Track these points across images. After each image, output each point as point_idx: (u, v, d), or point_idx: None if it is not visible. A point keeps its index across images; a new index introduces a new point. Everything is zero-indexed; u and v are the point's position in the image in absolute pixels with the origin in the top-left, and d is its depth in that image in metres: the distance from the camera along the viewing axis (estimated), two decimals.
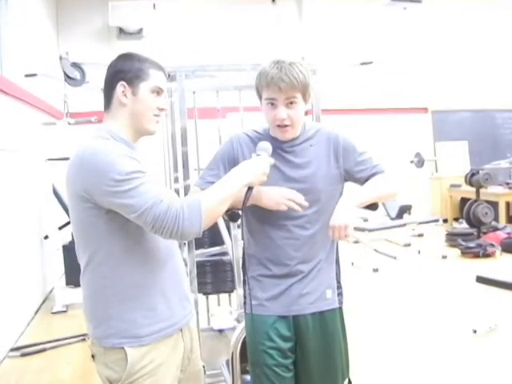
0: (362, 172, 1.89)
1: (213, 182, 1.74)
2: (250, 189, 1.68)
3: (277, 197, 1.76)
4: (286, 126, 1.78)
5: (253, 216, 1.85)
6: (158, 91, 1.63)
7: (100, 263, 1.56)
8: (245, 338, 2.09)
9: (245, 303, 1.94)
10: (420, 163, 8.33)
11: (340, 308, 1.94)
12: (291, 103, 1.76)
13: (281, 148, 1.85)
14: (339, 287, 1.94)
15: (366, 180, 1.89)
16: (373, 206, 1.92)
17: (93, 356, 1.61)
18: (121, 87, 1.61)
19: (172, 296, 1.63)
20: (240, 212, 1.80)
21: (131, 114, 1.62)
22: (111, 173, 1.44)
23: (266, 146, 1.74)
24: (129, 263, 1.56)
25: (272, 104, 1.78)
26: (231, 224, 3.14)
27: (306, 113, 1.88)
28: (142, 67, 1.62)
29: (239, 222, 2.58)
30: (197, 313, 2.69)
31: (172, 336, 1.63)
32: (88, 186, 1.48)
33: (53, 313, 4.89)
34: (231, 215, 1.77)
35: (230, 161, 1.87)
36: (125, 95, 1.61)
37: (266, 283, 1.87)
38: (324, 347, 1.87)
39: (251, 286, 1.90)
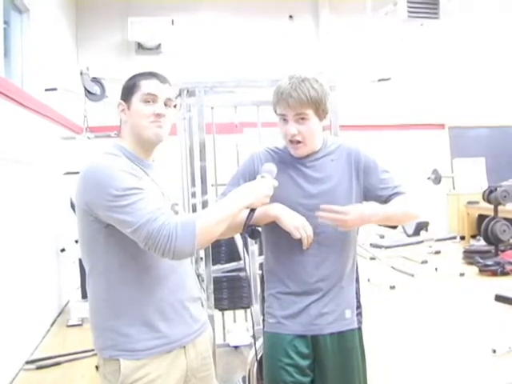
0: (382, 190, 1.87)
1: None
2: (252, 211, 1.68)
3: (298, 223, 1.74)
4: (299, 142, 1.79)
5: (273, 233, 1.83)
6: (151, 98, 1.63)
7: (99, 276, 1.59)
8: (261, 355, 2.07)
9: (263, 320, 1.93)
10: (437, 180, 8.29)
11: (359, 328, 1.92)
12: (302, 119, 1.76)
13: (301, 163, 1.85)
14: (358, 307, 1.92)
15: (387, 199, 1.87)
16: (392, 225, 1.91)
17: (96, 367, 1.63)
18: (120, 106, 1.67)
19: (172, 314, 1.62)
20: (260, 229, 1.79)
21: (131, 128, 1.66)
22: (110, 188, 1.47)
23: (270, 169, 1.74)
24: (125, 279, 1.56)
25: (284, 120, 1.79)
26: (249, 240, 3.13)
27: (324, 128, 1.87)
28: (135, 81, 1.66)
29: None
30: (213, 329, 2.68)
31: (171, 352, 1.61)
32: (89, 200, 1.52)
33: (68, 326, 4.89)
34: (252, 232, 1.76)
35: (250, 177, 1.86)
36: (124, 113, 1.67)
37: (285, 301, 1.86)
38: (342, 366, 1.85)
39: (270, 303, 1.88)
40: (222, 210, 1.57)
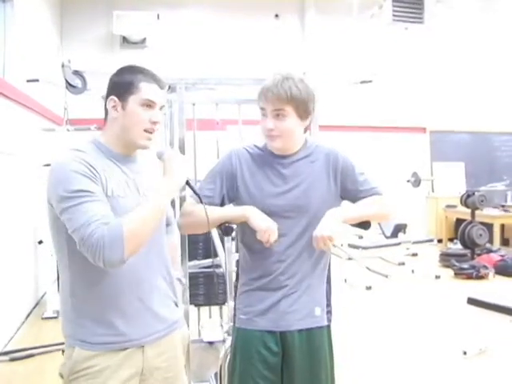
0: (360, 192, 1.91)
1: (209, 196, 1.77)
2: (187, 183, 1.66)
3: (268, 225, 1.75)
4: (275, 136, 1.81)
5: (246, 231, 1.85)
6: (150, 104, 1.62)
7: (64, 269, 1.62)
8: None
9: (234, 315, 1.95)
10: (417, 183, 8.38)
11: (328, 326, 1.94)
12: (279, 115, 1.78)
13: (279, 163, 1.87)
14: (328, 305, 1.94)
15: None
16: (365, 225, 1.94)
17: (63, 351, 1.67)
18: (111, 102, 1.63)
19: (132, 312, 1.62)
20: (233, 226, 1.81)
21: (121, 127, 1.63)
22: (59, 189, 1.49)
23: (161, 151, 1.68)
24: (86, 275, 1.57)
25: (263, 114, 1.81)
26: (221, 237, 3.15)
27: (306, 129, 1.89)
28: (133, 80, 1.61)
29: (233, 234, 2.60)
30: (187, 324, 2.69)
31: (126, 350, 1.61)
32: (48, 197, 1.56)
33: (43, 318, 4.87)
34: (225, 229, 1.78)
35: (227, 176, 1.88)
36: (115, 109, 1.63)
37: (255, 297, 1.88)
38: (310, 364, 1.88)
39: (241, 299, 1.91)
40: (144, 208, 1.54)
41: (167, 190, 1.60)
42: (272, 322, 1.86)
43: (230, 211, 1.85)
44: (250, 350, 1.85)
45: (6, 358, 3.87)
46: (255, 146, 1.94)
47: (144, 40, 7.71)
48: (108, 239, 1.42)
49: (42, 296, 5.38)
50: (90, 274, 1.57)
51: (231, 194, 1.89)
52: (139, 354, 1.64)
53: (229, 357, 2.02)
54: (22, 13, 5.08)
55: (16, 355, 3.90)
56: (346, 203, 1.95)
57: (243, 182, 1.87)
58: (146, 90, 1.62)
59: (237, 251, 3.38)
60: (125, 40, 7.68)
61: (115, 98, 1.62)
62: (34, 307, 5.20)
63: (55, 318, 4.85)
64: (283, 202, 1.83)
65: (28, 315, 4.96)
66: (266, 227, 1.74)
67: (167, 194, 1.60)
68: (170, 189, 1.61)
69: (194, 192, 1.73)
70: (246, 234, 1.88)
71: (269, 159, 1.88)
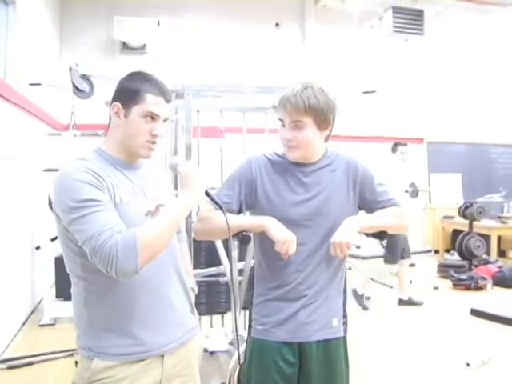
0: (378, 203, 1.90)
1: (227, 203, 1.74)
2: (206, 193, 1.66)
3: (287, 237, 1.71)
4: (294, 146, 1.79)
5: (264, 240, 1.81)
6: (153, 117, 1.59)
7: (78, 280, 1.58)
8: (242, 362, 2.05)
9: (250, 326, 1.92)
10: (414, 193, 8.34)
11: (344, 337, 1.92)
12: (298, 126, 1.76)
13: (300, 171, 1.85)
14: (345, 316, 1.93)
15: None
16: (381, 235, 1.93)
17: (76, 362, 1.63)
18: (114, 108, 1.60)
19: (151, 321, 1.59)
20: (250, 235, 1.78)
21: (123, 135, 1.61)
22: (66, 199, 1.46)
23: (175, 163, 1.67)
24: (99, 287, 1.55)
25: (282, 125, 1.79)
26: (231, 245, 3.11)
27: (327, 139, 1.87)
28: (140, 89, 1.58)
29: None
30: None
31: (145, 360, 1.58)
32: (55, 209, 1.52)
33: (40, 325, 4.80)
34: (242, 238, 1.75)
35: (247, 183, 1.85)
36: (118, 116, 1.60)
37: (273, 307, 1.85)
38: (327, 375, 1.86)
39: (258, 309, 1.88)
40: (161, 220, 1.51)
41: (185, 204, 1.58)
42: (290, 333, 1.83)
43: (249, 220, 1.84)
44: (267, 361, 1.82)
45: (4, 366, 3.81)
46: (275, 153, 1.91)
47: (144, 46, 7.68)
48: (121, 248, 1.39)
49: (39, 302, 5.31)
50: (104, 283, 1.54)
51: (249, 201, 1.86)
52: (158, 364, 1.61)
53: (239, 367, 1.99)
54: (24, 16, 5.05)
55: (14, 363, 3.83)
56: (362, 213, 1.94)
57: (263, 190, 1.84)
58: (150, 102, 1.59)
59: (240, 260, 3.37)
60: (125, 46, 7.65)
61: (119, 105, 1.60)
62: (31, 314, 5.13)
63: (52, 325, 4.79)
64: (304, 211, 1.81)
65: (24, 322, 4.89)
66: (284, 238, 1.71)
67: (185, 208, 1.58)
68: (189, 202, 1.59)
69: (215, 202, 1.70)
70: (263, 243, 1.85)
71: (289, 167, 1.86)
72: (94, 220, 1.42)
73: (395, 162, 6.12)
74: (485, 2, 8.85)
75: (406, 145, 6.08)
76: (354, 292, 5.78)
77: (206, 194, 1.66)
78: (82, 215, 1.43)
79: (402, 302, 5.75)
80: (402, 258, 5.85)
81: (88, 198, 1.45)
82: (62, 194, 1.48)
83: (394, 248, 5.80)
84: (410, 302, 5.72)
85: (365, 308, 5.65)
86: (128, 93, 1.60)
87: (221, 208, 1.68)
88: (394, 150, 6.15)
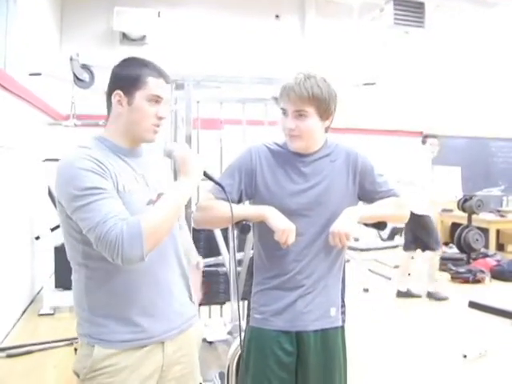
0: (377, 193, 1.91)
1: (227, 192, 1.74)
2: (205, 175, 1.66)
3: (287, 226, 1.72)
4: (296, 135, 1.79)
5: (263, 230, 1.82)
6: (157, 99, 1.59)
7: (79, 267, 1.59)
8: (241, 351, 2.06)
9: (248, 315, 1.93)
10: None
11: (342, 326, 1.94)
12: (301, 115, 1.76)
13: (299, 160, 1.85)
14: (343, 305, 1.94)
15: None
16: (380, 225, 1.93)
17: (75, 349, 1.63)
18: (116, 96, 1.59)
19: (152, 308, 1.60)
20: (250, 225, 1.79)
21: (127, 123, 1.60)
22: (70, 187, 1.45)
23: (170, 149, 1.66)
24: (103, 273, 1.55)
25: (284, 114, 1.79)
26: (231, 235, 3.12)
27: (327, 129, 1.88)
28: (140, 74, 1.58)
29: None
30: None
31: (146, 346, 1.59)
32: (58, 197, 1.52)
33: (40, 315, 4.82)
34: (242, 227, 1.76)
35: (247, 172, 1.86)
36: (120, 104, 1.59)
37: (271, 296, 1.87)
38: (324, 364, 1.87)
39: (257, 298, 1.89)
40: (163, 208, 1.51)
41: (185, 189, 1.58)
42: (288, 321, 1.84)
43: (249, 209, 1.84)
44: (265, 350, 1.83)
45: (3, 354, 3.83)
46: (275, 142, 1.92)
47: (144, 37, 7.66)
48: (127, 235, 1.39)
49: (39, 292, 5.33)
50: (106, 271, 1.54)
51: (249, 191, 1.87)
52: (159, 350, 1.62)
53: (238, 356, 2.00)
54: (24, 7, 5.03)
55: (13, 351, 3.86)
56: (361, 204, 1.94)
57: (263, 179, 1.85)
58: (153, 85, 1.59)
59: (240, 250, 3.38)
60: (125, 36, 7.63)
61: (120, 93, 1.58)
62: (30, 303, 5.15)
63: (52, 314, 4.81)
64: (304, 200, 1.82)
65: (24, 311, 4.91)
66: (284, 228, 1.71)
67: (185, 193, 1.58)
68: (188, 187, 1.59)
69: (215, 182, 1.71)
70: (263, 233, 1.85)
71: (289, 157, 1.86)
72: (98, 208, 1.42)
73: (424, 154, 6.00)
74: None
75: (435, 137, 5.99)
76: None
77: (205, 174, 1.65)
78: (86, 203, 1.43)
79: (400, 294, 5.76)
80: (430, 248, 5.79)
81: (92, 185, 1.44)
82: (65, 183, 1.47)
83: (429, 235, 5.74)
84: (408, 294, 5.74)
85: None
86: (128, 79, 1.58)
87: (221, 187, 1.69)
88: (423, 142, 6.06)
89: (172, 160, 1.68)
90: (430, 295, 5.73)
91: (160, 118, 1.61)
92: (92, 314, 1.57)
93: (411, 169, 6.02)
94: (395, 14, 7.42)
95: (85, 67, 3.50)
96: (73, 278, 1.63)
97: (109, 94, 1.62)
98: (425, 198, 5.78)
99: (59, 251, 4.85)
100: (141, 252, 1.42)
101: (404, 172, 6.10)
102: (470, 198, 7.58)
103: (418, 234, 5.72)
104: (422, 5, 7.59)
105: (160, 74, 1.61)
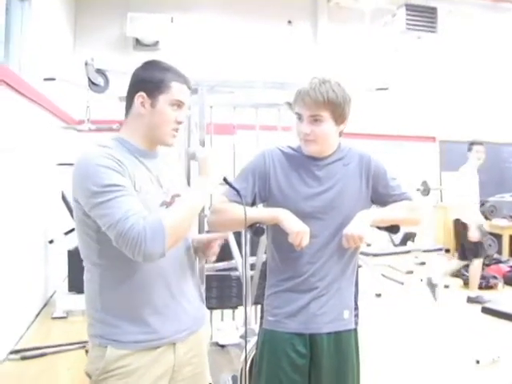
0: (391, 197, 1.92)
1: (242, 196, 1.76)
2: (225, 180, 1.69)
3: (301, 228, 1.72)
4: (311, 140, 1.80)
5: (277, 232, 1.83)
6: (179, 104, 1.62)
7: (93, 267, 1.60)
8: (254, 354, 2.07)
9: (262, 318, 1.94)
10: (426, 192, 8.33)
11: (355, 329, 1.94)
12: (315, 120, 1.77)
13: (313, 164, 1.86)
14: (356, 308, 1.94)
15: None
16: (393, 229, 1.94)
17: (86, 351, 1.64)
18: (139, 98, 1.61)
19: (165, 309, 1.61)
20: (264, 227, 1.80)
21: (148, 125, 1.62)
22: (89, 184, 1.46)
23: (193, 152, 1.72)
24: (117, 273, 1.56)
25: (299, 119, 1.80)
26: (244, 239, 3.13)
27: (341, 133, 1.89)
28: (164, 78, 1.60)
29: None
30: None
31: (158, 348, 1.60)
32: (75, 195, 1.53)
33: (53, 318, 4.86)
34: (256, 230, 1.77)
35: (260, 176, 1.87)
36: (143, 106, 1.61)
37: (285, 299, 1.87)
38: (338, 367, 1.87)
39: (270, 300, 1.90)
40: (182, 208, 1.53)
41: (204, 189, 1.61)
42: (302, 324, 1.85)
43: (263, 212, 1.85)
44: (278, 352, 1.84)
45: (17, 356, 3.86)
46: (289, 146, 1.93)
47: (157, 43, 7.71)
48: (150, 232, 1.41)
49: (52, 295, 5.37)
50: (120, 271, 1.56)
51: (263, 194, 1.88)
52: (171, 352, 1.64)
53: (251, 359, 2.01)
54: (39, 12, 5.09)
55: (27, 354, 3.89)
56: (374, 207, 1.95)
57: (276, 183, 1.86)
58: (176, 90, 1.61)
59: (252, 255, 3.39)
60: (138, 42, 7.68)
61: (144, 95, 1.60)
62: (44, 307, 5.19)
63: (65, 317, 4.85)
64: (318, 204, 1.83)
65: (37, 315, 4.95)
66: (298, 230, 1.72)
67: (204, 193, 1.61)
68: (207, 188, 1.62)
69: (234, 189, 1.73)
70: (277, 235, 1.86)
71: (303, 160, 1.87)
72: (118, 205, 1.44)
73: (470, 162, 6.08)
74: (499, 0, 8.79)
75: (481, 144, 5.96)
76: (429, 282, 5.71)
77: (225, 180, 1.69)
78: (105, 200, 1.44)
79: (470, 300, 5.74)
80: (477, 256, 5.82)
81: (111, 182, 1.46)
82: (84, 179, 1.48)
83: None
84: (478, 301, 5.69)
85: (436, 299, 5.58)
86: (152, 82, 1.61)
87: (238, 193, 1.71)
88: (469, 149, 6.03)
89: (192, 160, 1.71)
90: (471, 300, 5.71)
91: (179, 123, 1.64)
92: (106, 314, 1.58)
93: (459, 179, 5.98)
94: (407, 20, 7.43)
95: (99, 72, 3.53)
96: (85, 277, 1.64)
97: (130, 96, 1.64)
98: (476, 210, 5.83)
99: (73, 255, 4.89)
100: (162, 249, 1.44)
101: (452, 183, 6.11)
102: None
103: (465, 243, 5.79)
104: (434, 10, 7.59)
105: (184, 80, 1.65)
